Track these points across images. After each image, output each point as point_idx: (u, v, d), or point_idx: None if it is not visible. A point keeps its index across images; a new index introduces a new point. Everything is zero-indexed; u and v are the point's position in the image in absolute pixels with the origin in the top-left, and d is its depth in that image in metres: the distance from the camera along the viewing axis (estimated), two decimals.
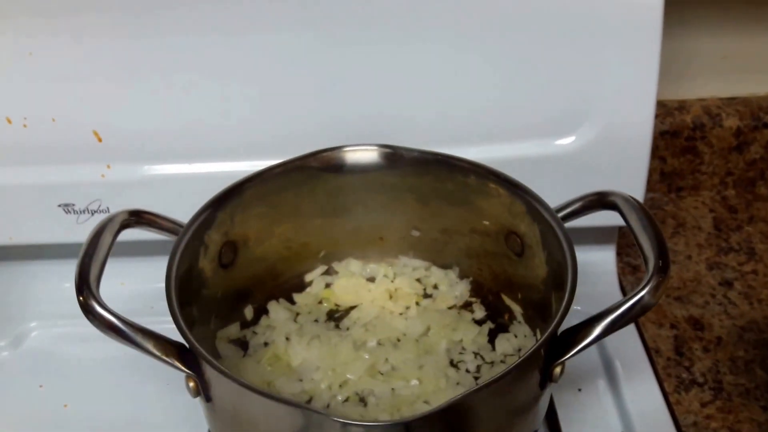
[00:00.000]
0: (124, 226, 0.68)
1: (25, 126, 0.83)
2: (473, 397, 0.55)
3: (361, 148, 0.80)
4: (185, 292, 0.67)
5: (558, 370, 0.62)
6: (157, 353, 0.60)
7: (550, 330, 0.60)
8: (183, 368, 0.61)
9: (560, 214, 0.72)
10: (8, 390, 0.89)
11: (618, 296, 0.96)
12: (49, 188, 0.87)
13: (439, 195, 0.81)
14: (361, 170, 0.81)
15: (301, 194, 0.81)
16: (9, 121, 0.83)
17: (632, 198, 0.69)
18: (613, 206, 0.70)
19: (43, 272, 0.99)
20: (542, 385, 0.63)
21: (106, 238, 0.65)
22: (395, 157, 0.80)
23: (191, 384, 0.62)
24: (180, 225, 0.72)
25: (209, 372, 0.59)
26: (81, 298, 0.60)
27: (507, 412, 0.61)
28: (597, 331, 0.61)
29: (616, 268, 0.98)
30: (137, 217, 0.70)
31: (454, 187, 0.79)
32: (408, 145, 0.80)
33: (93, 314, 0.59)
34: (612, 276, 0.98)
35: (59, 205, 0.88)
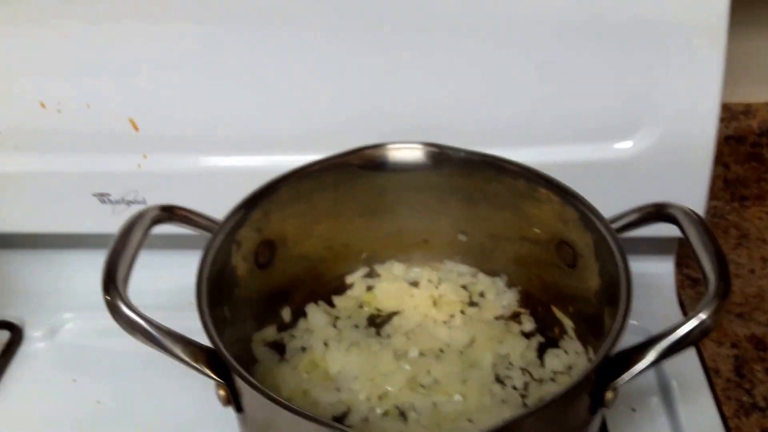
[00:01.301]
0: (156, 222, 0.65)
1: (59, 111, 0.81)
2: (520, 423, 0.51)
3: (405, 146, 0.76)
4: (218, 292, 0.64)
5: (610, 394, 0.57)
6: (186, 359, 0.57)
7: (602, 352, 0.55)
8: (213, 376, 0.58)
9: (615, 225, 0.67)
10: (41, 383, 0.87)
11: (676, 311, 0.91)
12: (83, 177, 0.85)
13: (488, 198, 0.77)
14: (405, 169, 0.77)
15: (341, 193, 0.77)
16: (43, 106, 0.80)
17: (693, 212, 0.64)
18: (672, 219, 0.65)
19: (79, 262, 0.97)
20: (593, 410, 0.58)
21: (136, 235, 0.62)
22: (441, 157, 0.76)
23: (221, 392, 0.58)
24: (215, 222, 0.69)
25: (240, 382, 0.56)
26: (107, 298, 0.57)
27: None
28: (652, 355, 0.56)
29: (675, 281, 0.93)
30: (169, 213, 0.67)
31: (503, 190, 0.75)
32: (454, 145, 0.76)
33: (119, 315, 0.57)
34: (670, 290, 0.92)
35: (94, 195, 0.86)
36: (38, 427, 0.82)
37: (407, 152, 0.76)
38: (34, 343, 0.93)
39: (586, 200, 0.68)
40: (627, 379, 0.56)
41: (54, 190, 0.86)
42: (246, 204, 0.69)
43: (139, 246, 0.62)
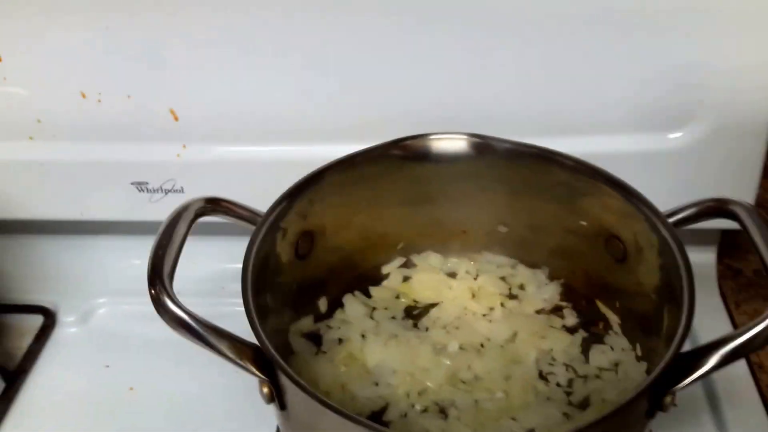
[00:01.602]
0: (200, 214, 0.64)
1: (99, 101, 0.80)
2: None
3: (447, 137, 0.74)
4: (261, 282, 0.63)
5: (669, 399, 0.56)
6: (231, 356, 0.56)
7: (671, 354, 0.53)
8: (258, 373, 0.57)
9: (671, 220, 0.65)
10: (75, 369, 0.87)
11: (718, 304, 0.89)
12: (122, 166, 0.84)
13: (532, 190, 0.75)
14: (447, 160, 0.75)
15: (381, 183, 0.76)
16: (83, 96, 0.79)
17: (756, 209, 0.62)
18: (732, 216, 0.63)
19: (113, 248, 0.97)
20: (650, 414, 0.57)
21: (181, 228, 0.61)
22: (484, 148, 0.74)
23: (265, 390, 0.57)
24: (257, 213, 0.68)
25: (285, 380, 0.55)
26: (153, 292, 0.56)
27: None
28: (715, 359, 0.55)
29: (716, 272, 0.91)
30: (214, 205, 0.66)
31: (549, 182, 0.73)
32: (497, 135, 0.74)
33: (164, 310, 0.56)
34: (712, 281, 0.91)
35: (132, 183, 0.85)
36: (70, 413, 0.82)
37: (450, 143, 0.74)
38: (67, 328, 0.93)
39: (641, 194, 0.66)
40: (687, 383, 0.55)
41: (92, 179, 0.85)
42: (291, 193, 0.68)
43: (184, 239, 0.61)
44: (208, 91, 0.79)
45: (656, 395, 0.55)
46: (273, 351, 0.54)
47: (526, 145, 0.72)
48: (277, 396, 0.58)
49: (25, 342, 0.90)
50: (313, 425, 0.56)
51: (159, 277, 0.56)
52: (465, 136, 0.74)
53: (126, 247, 0.96)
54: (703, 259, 0.89)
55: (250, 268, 0.61)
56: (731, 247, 0.93)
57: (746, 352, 0.55)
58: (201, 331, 0.56)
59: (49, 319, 0.93)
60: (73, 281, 0.97)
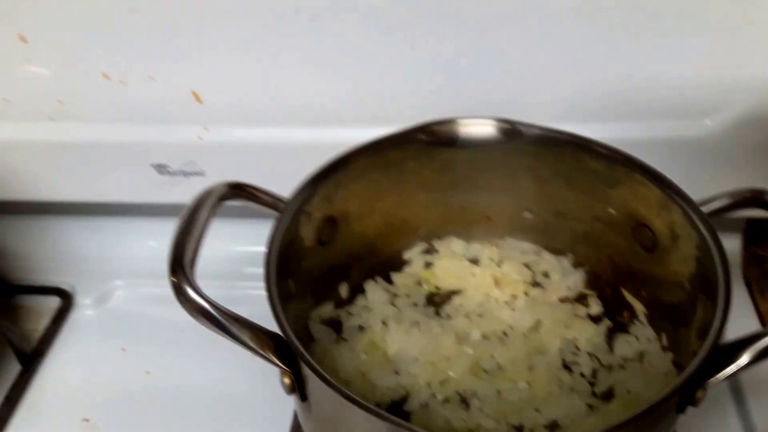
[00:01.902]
0: (223, 199, 0.63)
1: (122, 83, 0.78)
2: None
3: (475, 122, 0.72)
4: (284, 269, 0.62)
5: (701, 393, 0.54)
6: (253, 345, 0.55)
7: (708, 347, 0.52)
8: (280, 364, 0.55)
9: (705, 209, 0.63)
10: (92, 352, 0.87)
11: (742, 291, 0.88)
12: (143, 147, 0.83)
13: (559, 176, 0.73)
14: (474, 145, 0.73)
15: (407, 169, 0.74)
16: (106, 77, 0.78)
17: None
18: None
19: (130, 230, 0.97)
20: (681, 409, 0.55)
21: (203, 214, 0.60)
22: (513, 133, 0.72)
23: (287, 381, 0.56)
24: (280, 199, 0.67)
25: (307, 371, 0.54)
26: (173, 280, 0.55)
27: None
28: (749, 355, 0.53)
29: (741, 259, 0.89)
30: (237, 191, 0.64)
31: (579, 170, 0.71)
32: (525, 120, 0.72)
33: (185, 298, 0.54)
34: (736, 269, 0.89)
35: (152, 165, 0.84)
36: (86, 397, 0.82)
37: (478, 128, 0.72)
38: (84, 311, 0.93)
39: (676, 185, 0.64)
40: (722, 378, 0.53)
41: (112, 160, 0.84)
42: (317, 178, 0.67)
43: (206, 225, 0.59)
44: (231, 73, 0.77)
45: (689, 389, 0.54)
46: (297, 343, 0.53)
47: (556, 131, 0.71)
48: (298, 387, 0.56)
49: (42, 324, 0.90)
50: (335, 418, 0.55)
51: (180, 265, 0.55)
52: (493, 121, 0.72)
53: (144, 230, 0.95)
54: (728, 246, 0.85)
55: (275, 254, 0.59)
56: (758, 234, 0.91)
57: None
58: (223, 321, 0.54)
59: (66, 301, 0.92)
60: (90, 263, 0.96)
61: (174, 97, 0.79)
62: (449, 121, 0.72)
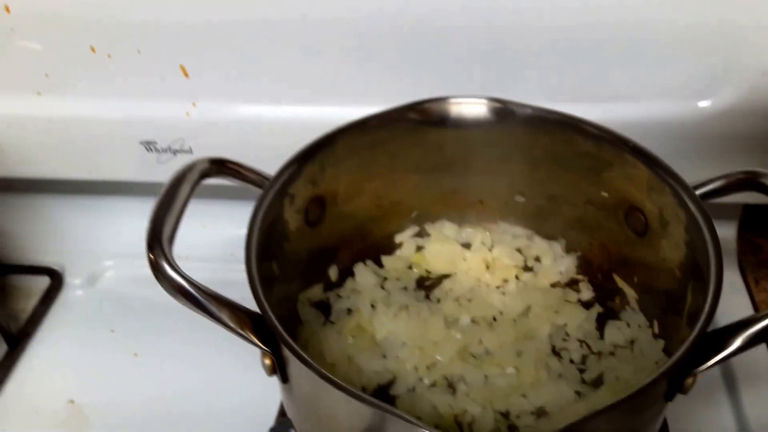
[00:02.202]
0: (205, 175, 0.62)
1: (109, 56, 0.77)
2: (597, 419, 0.47)
3: (467, 101, 0.71)
4: (268, 248, 0.61)
5: (690, 381, 0.53)
6: (232, 325, 0.54)
7: (696, 334, 0.50)
8: (259, 344, 0.54)
9: (698, 192, 0.62)
10: (80, 333, 0.86)
11: (737, 279, 0.86)
12: (131, 123, 0.82)
13: (553, 159, 0.72)
14: (466, 125, 0.71)
15: (397, 148, 0.73)
16: (93, 50, 0.77)
17: None
18: (764, 189, 0.59)
19: (121, 209, 0.95)
20: (669, 397, 0.54)
21: (184, 190, 0.59)
22: (505, 113, 0.70)
23: (267, 362, 0.55)
24: (266, 177, 0.65)
25: (287, 352, 0.53)
26: (151, 257, 0.53)
27: (626, 429, 0.52)
28: (739, 341, 0.52)
29: (736, 246, 0.88)
30: (219, 167, 0.63)
31: (571, 151, 0.70)
32: (519, 100, 0.70)
33: (163, 276, 0.53)
34: (731, 256, 0.87)
35: (141, 142, 0.83)
36: (72, 378, 0.81)
37: (470, 107, 0.71)
38: (74, 291, 0.92)
39: (669, 166, 0.63)
40: (710, 365, 0.52)
41: (100, 137, 0.83)
42: (300, 157, 0.65)
43: (187, 201, 0.58)
44: (219, 46, 0.75)
45: (678, 377, 0.52)
46: (275, 321, 0.52)
47: (549, 111, 0.69)
48: (279, 368, 0.55)
49: (31, 304, 0.89)
50: (315, 400, 0.54)
51: (158, 241, 0.54)
52: (485, 101, 0.71)
53: (135, 209, 0.93)
54: (723, 233, 0.84)
55: (255, 234, 0.58)
56: (753, 222, 0.90)
57: None
58: (200, 299, 0.53)
59: (56, 280, 0.92)
60: (80, 242, 0.95)
61: (161, 71, 0.77)
62: (440, 100, 0.71)
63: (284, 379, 0.56)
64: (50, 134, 0.83)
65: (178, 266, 0.54)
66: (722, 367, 0.76)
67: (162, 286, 0.54)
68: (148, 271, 0.80)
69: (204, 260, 0.90)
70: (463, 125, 0.71)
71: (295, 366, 0.54)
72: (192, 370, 0.80)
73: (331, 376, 0.48)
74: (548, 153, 0.72)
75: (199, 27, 0.74)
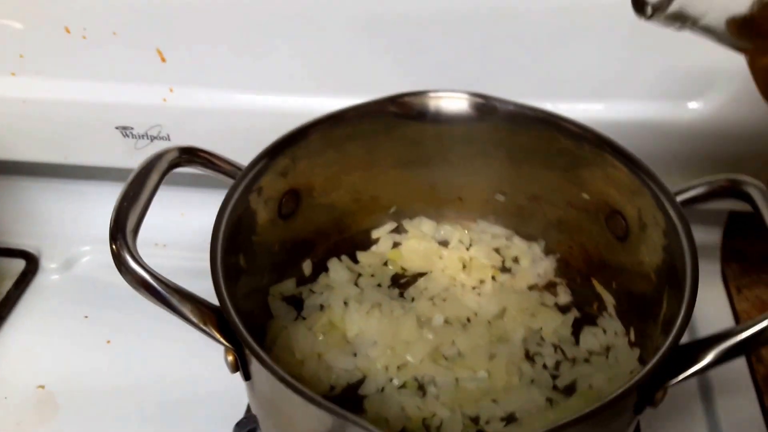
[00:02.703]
0: (174, 165, 0.60)
1: (84, 38, 0.75)
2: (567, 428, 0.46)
3: (447, 95, 0.69)
4: (234, 242, 0.59)
5: (661, 394, 0.52)
6: (193, 319, 0.53)
7: (667, 347, 0.49)
8: (221, 340, 0.53)
9: (680, 198, 0.60)
10: (54, 318, 0.85)
11: (719, 288, 0.85)
12: (107, 107, 0.81)
13: (535, 157, 0.70)
14: (446, 120, 0.70)
15: (375, 142, 0.71)
16: (67, 31, 0.75)
17: None
18: (746, 197, 0.58)
19: (99, 194, 0.94)
20: (639, 410, 0.53)
21: (152, 179, 0.57)
22: (487, 109, 0.69)
23: (230, 358, 0.54)
24: (238, 167, 0.64)
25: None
26: (113, 248, 0.52)
27: None
28: (712, 355, 0.51)
29: (720, 253, 0.87)
30: (190, 156, 0.62)
31: (552, 150, 0.68)
32: (502, 96, 0.69)
33: (125, 267, 0.52)
34: (714, 263, 0.86)
35: (117, 128, 0.82)
36: (44, 363, 0.80)
37: (450, 101, 0.69)
38: (49, 275, 0.91)
39: (649, 168, 0.61)
40: (681, 379, 0.51)
41: (76, 120, 0.82)
42: (272, 150, 0.64)
43: (154, 191, 0.57)
44: (197, 29, 0.74)
45: (648, 389, 0.51)
46: (235, 317, 0.50)
47: (531, 108, 0.68)
48: (241, 365, 0.54)
49: (5, 287, 0.88)
50: (275, 400, 0.53)
51: (122, 232, 0.53)
52: (466, 95, 0.69)
53: (114, 195, 0.92)
54: (707, 240, 0.85)
55: (222, 228, 0.57)
56: (738, 229, 0.88)
57: (747, 350, 0.51)
58: (162, 292, 0.52)
59: (32, 264, 0.90)
60: (58, 227, 0.94)
61: (137, 54, 0.76)
62: (420, 93, 0.69)
63: (246, 376, 0.55)
64: (25, 116, 0.82)
65: (140, 258, 0.53)
66: (699, 379, 0.75)
67: (124, 277, 0.53)
68: None
69: (182, 248, 0.89)
70: (443, 120, 0.70)
71: (255, 365, 0.53)
72: (164, 358, 0.79)
73: (289, 378, 0.47)
74: (530, 151, 0.70)
75: (175, 9, 0.73)
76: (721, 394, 0.73)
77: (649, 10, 0.42)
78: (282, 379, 0.46)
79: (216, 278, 0.53)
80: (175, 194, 0.84)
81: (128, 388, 0.77)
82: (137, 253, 0.53)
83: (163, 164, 0.59)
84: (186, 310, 0.53)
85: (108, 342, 0.82)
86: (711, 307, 0.81)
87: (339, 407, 0.45)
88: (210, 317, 0.53)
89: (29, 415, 0.75)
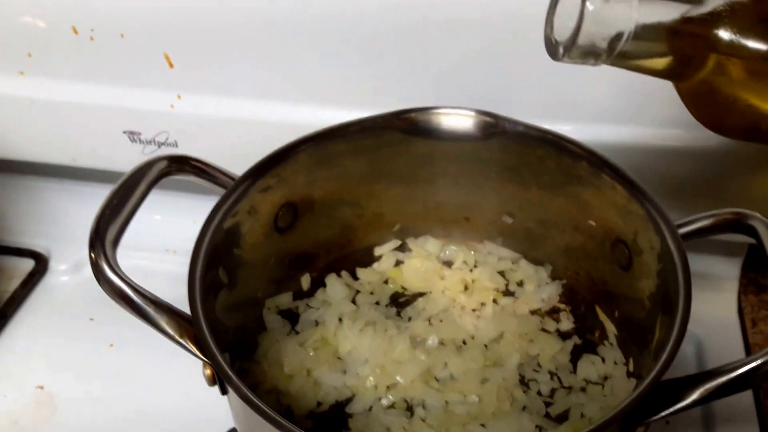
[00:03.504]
0: (164, 174, 0.60)
1: (92, 39, 0.75)
2: None
3: (456, 112, 0.68)
4: (222, 254, 0.59)
5: (641, 430, 0.50)
6: (169, 331, 0.52)
7: (647, 383, 0.47)
8: (197, 353, 0.52)
9: (684, 230, 0.58)
10: (61, 319, 0.85)
11: (733, 320, 0.82)
12: (115, 111, 0.80)
13: (543, 180, 0.69)
14: (453, 138, 0.68)
15: (380, 158, 0.70)
16: (75, 31, 0.75)
17: None
18: (751, 232, 0.56)
19: None
20: None
21: (140, 189, 0.57)
22: (496, 128, 0.67)
23: (207, 372, 0.53)
24: (232, 177, 0.63)
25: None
26: (92, 256, 0.52)
27: None
28: (696, 394, 0.49)
29: (738, 285, 0.83)
30: (181, 165, 0.61)
31: (561, 173, 0.66)
32: (511, 116, 0.67)
33: (102, 276, 0.52)
34: (731, 295, 0.83)
35: (125, 132, 0.82)
36: (45, 364, 0.80)
37: (458, 119, 0.68)
38: (58, 276, 0.91)
39: (651, 196, 0.59)
40: (661, 416, 0.49)
41: (84, 122, 0.82)
42: (265, 163, 0.63)
43: (140, 202, 0.57)
44: (205, 36, 0.73)
45: (628, 425, 0.49)
46: (206, 331, 0.50)
47: (538, 128, 0.66)
48: (218, 380, 0.53)
49: (12, 287, 0.88)
50: (246, 419, 0.52)
51: (101, 241, 0.53)
52: (474, 113, 0.68)
53: None
54: (725, 272, 0.82)
55: (206, 241, 0.57)
56: (760, 261, 0.85)
57: (739, 389, 0.49)
58: (138, 302, 0.52)
59: (41, 264, 0.91)
60: (69, 228, 0.94)
61: (145, 58, 0.75)
62: (427, 110, 0.68)
63: (223, 390, 0.54)
64: (33, 117, 0.82)
65: (118, 267, 0.53)
66: (702, 408, 0.72)
67: (101, 286, 0.53)
68: (134, 261, 0.79)
69: (185, 255, 0.89)
70: (451, 138, 0.69)
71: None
72: (165, 364, 0.78)
73: (255, 399, 0.46)
74: (538, 173, 0.69)
75: (184, 13, 0.72)
76: (724, 421, 0.70)
77: (560, 50, 0.41)
78: (244, 398, 0.45)
79: (192, 292, 0.52)
80: (186, 201, 0.84)
81: (127, 392, 0.77)
82: (115, 262, 0.53)
83: (152, 173, 0.59)
84: (162, 321, 0.52)
85: (111, 345, 0.82)
86: (723, 339, 0.78)
87: (300, 429, 0.44)
88: (187, 330, 0.52)
89: (27, 415, 0.76)
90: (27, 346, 0.82)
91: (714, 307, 0.81)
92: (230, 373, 0.47)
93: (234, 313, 0.62)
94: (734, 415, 0.71)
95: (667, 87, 0.61)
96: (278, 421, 0.44)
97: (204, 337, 0.50)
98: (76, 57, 0.77)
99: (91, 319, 0.85)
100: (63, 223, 0.95)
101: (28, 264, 0.91)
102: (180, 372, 0.76)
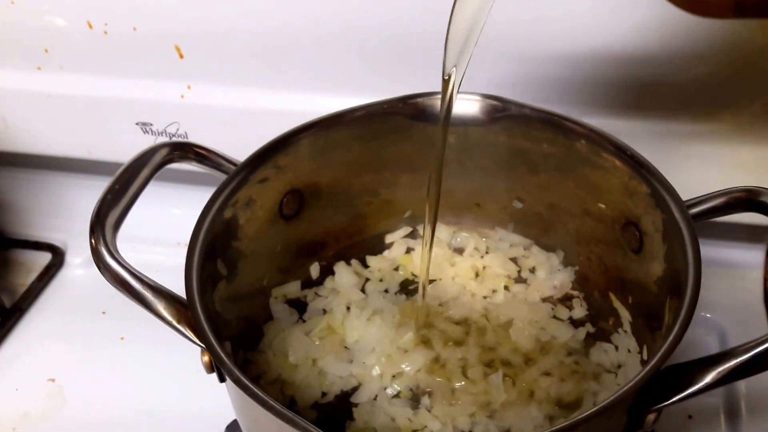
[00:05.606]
0: (167, 161, 0.59)
1: (105, 33, 0.76)
2: None
3: (463, 97, 0.66)
4: (221, 241, 0.58)
5: (652, 417, 0.48)
6: (167, 317, 0.51)
7: (651, 366, 0.46)
8: (195, 340, 0.51)
9: (695, 210, 0.56)
10: (74, 311, 0.86)
11: (759, 308, 0.79)
12: (128, 103, 0.81)
13: (551, 163, 0.67)
14: (461, 123, 0.67)
15: (387, 144, 0.69)
16: (90, 26, 0.76)
17: None
18: (764, 208, 0.54)
19: None
20: None
21: (142, 175, 0.57)
22: (503, 112, 0.66)
23: (205, 358, 0.52)
24: (236, 164, 0.63)
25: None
26: (91, 242, 0.52)
27: None
28: (709, 377, 0.47)
29: (763, 272, 0.81)
30: (183, 152, 0.61)
31: (569, 156, 0.65)
32: (521, 100, 0.66)
33: (101, 261, 0.52)
34: (755, 283, 0.80)
35: (137, 123, 0.82)
36: (57, 356, 0.81)
37: (465, 103, 0.67)
38: (73, 270, 0.92)
39: (660, 173, 0.58)
40: (673, 401, 0.47)
41: (99, 115, 0.82)
42: (266, 150, 0.62)
43: (142, 188, 0.56)
44: (216, 27, 0.73)
45: (636, 411, 0.47)
46: (202, 318, 0.49)
47: (545, 111, 0.65)
48: (216, 367, 0.52)
49: (29, 279, 0.89)
50: (242, 405, 0.51)
51: (101, 226, 0.52)
52: (481, 98, 0.67)
53: (144, 194, 0.93)
54: (749, 258, 0.80)
55: (205, 227, 0.56)
56: None
57: (752, 372, 0.47)
58: (136, 287, 0.51)
59: (57, 258, 0.92)
60: (85, 222, 0.93)
61: (156, 50, 0.76)
62: (432, 94, 0.67)
63: (221, 378, 0.53)
64: (50, 110, 0.83)
65: (117, 253, 0.52)
66: (726, 397, 0.70)
67: (100, 272, 0.52)
68: (148, 256, 0.80)
69: (178, 245, 0.89)
70: (458, 122, 0.67)
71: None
72: (174, 358, 0.78)
73: (253, 386, 0.45)
74: (546, 156, 0.67)
75: (194, 3, 0.72)
76: (750, 418, 0.68)
77: None
78: (237, 381, 0.45)
79: (189, 277, 0.52)
80: (196, 193, 0.84)
81: (137, 385, 0.77)
82: (115, 247, 0.53)
83: (155, 160, 0.58)
84: (160, 306, 0.52)
85: (122, 339, 0.82)
86: (748, 329, 0.75)
87: (297, 415, 0.43)
88: (185, 316, 0.52)
89: (37, 406, 0.76)
90: (40, 338, 0.83)
91: (738, 297, 0.78)
92: (222, 355, 0.47)
93: (237, 303, 0.62)
94: (759, 408, 0.69)
95: None
96: (269, 404, 0.43)
97: (199, 322, 0.49)
98: (91, 51, 0.78)
99: (104, 313, 0.85)
100: (80, 217, 0.93)
101: (45, 257, 0.91)
102: (189, 366, 0.76)
